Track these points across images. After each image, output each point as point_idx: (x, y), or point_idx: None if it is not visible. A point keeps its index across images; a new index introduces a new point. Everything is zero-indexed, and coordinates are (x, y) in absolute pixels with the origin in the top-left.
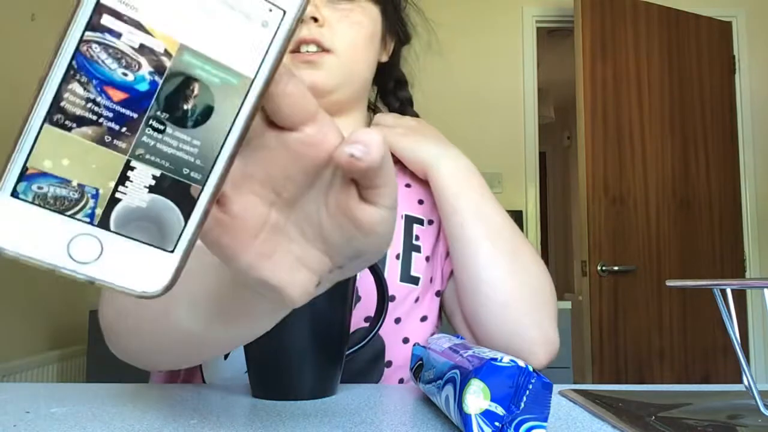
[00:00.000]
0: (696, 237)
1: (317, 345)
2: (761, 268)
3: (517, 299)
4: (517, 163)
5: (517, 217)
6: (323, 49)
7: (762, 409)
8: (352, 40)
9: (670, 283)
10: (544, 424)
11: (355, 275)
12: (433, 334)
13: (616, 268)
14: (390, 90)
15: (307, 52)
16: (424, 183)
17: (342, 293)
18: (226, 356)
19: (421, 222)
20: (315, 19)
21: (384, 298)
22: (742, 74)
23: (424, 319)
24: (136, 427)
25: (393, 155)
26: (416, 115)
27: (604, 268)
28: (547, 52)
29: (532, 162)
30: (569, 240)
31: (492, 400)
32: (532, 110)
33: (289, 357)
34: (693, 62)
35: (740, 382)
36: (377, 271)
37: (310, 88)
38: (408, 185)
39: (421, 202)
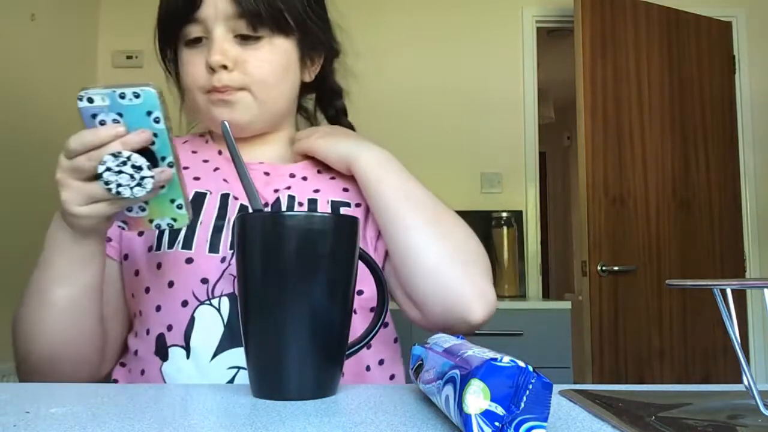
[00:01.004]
0: (696, 237)
1: (317, 345)
2: (761, 268)
3: (445, 259)
4: (517, 163)
5: (517, 217)
6: (236, 89)
7: (762, 409)
8: (263, 77)
9: (670, 283)
10: (544, 424)
11: (356, 274)
12: (373, 309)
13: (616, 268)
14: (326, 100)
15: (220, 94)
16: (348, 176)
17: (342, 293)
18: (187, 356)
19: (348, 204)
20: (225, 67)
21: (384, 298)
22: (742, 74)
23: (360, 293)
24: (136, 427)
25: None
26: (350, 124)
27: (604, 268)
28: (547, 52)
29: (532, 162)
30: (569, 240)
31: (492, 400)
32: (532, 110)
33: (289, 357)
34: (693, 62)
35: (740, 382)
36: (377, 272)
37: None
38: (333, 177)
39: (346, 189)
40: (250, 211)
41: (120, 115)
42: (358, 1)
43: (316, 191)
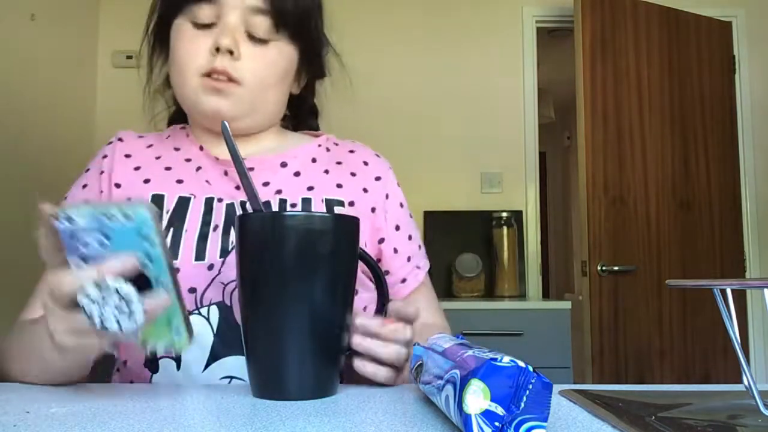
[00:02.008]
0: (696, 237)
1: (317, 345)
2: (761, 268)
3: None
4: (517, 163)
5: (517, 217)
6: (231, 80)
7: (762, 409)
8: (262, 77)
9: (670, 283)
10: (544, 424)
11: (356, 274)
12: (366, 308)
13: (616, 268)
14: (302, 117)
15: (217, 79)
16: (343, 169)
17: (343, 293)
18: (178, 367)
19: (341, 204)
20: (231, 52)
21: (384, 296)
22: (742, 74)
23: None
24: (136, 427)
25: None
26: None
27: (604, 268)
28: (547, 52)
29: (532, 162)
30: (569, 240)
31: (492, 400)
32: (532, 110)
33: (289, 357)
34: (693, 62)
35: (740, 382)
36: (377, 271)
37: (215, 114)
38: (326, 171)
39: (339, 185)
40: (247, 210)
41: (106, 236)
42: (359, 2)
43: (310, 189)
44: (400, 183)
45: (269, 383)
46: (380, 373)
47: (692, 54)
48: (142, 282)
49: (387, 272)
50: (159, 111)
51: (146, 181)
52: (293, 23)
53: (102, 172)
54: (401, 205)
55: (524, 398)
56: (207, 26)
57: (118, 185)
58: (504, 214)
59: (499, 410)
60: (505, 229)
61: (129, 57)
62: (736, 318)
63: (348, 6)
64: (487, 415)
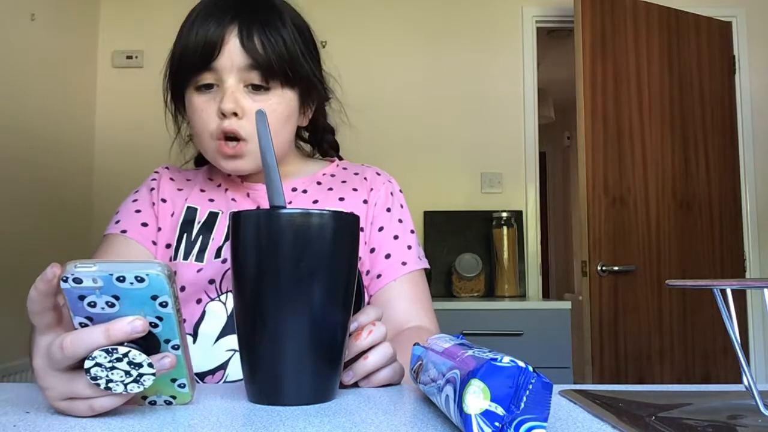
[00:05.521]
0: (696, 237)
1: (316, 350)
2: (761, 268)
3: None
4: (517, 163)
5: (517, 217)
6: (242, 140)
7: (762, 409)
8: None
9: (670, 283)
10: (544, 424)
11: (356, 274)
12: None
13: (616, 268)
14: (318, 136)
15: (228, 146)
16: (346, 186)
17: (342, 295)
18: (194, 341)
19: None
20: (235, 114)
21: (360, 299)
22: (742, 74)
23: None
24: (136, 427)
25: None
26: (340, 158)
27: (604, 268)
28: (547, 52)
29: (532, 162)
30: (569, 240)
31: (492, 400)
32: (532, 110)
33: (286, 363)
34: (693, 62)
35: (740, 382)
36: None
37: (234, 173)
38: (330, 189)
39: (342, 198)
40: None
41: (116, 297)
42: (360, 2)
43: (315, 202)
44: (401, 189)
45: (265, 389)
46: (384, 376)
47: (692, 54)
48: (148, 340)
49: (368, 272)
50: (190, 157)
51: (185, 199)
52: (281, 73)
53: (152, 189)
54: (388, 210)
55: (524, 398)
56: (209, 87)
57: (164, 200)
58: (504, 214)
59: (499, 410)
60: (505, 229)
61: (129, 57)
62: (736, 318)
63: (349, 6)
64: (487, 415)
